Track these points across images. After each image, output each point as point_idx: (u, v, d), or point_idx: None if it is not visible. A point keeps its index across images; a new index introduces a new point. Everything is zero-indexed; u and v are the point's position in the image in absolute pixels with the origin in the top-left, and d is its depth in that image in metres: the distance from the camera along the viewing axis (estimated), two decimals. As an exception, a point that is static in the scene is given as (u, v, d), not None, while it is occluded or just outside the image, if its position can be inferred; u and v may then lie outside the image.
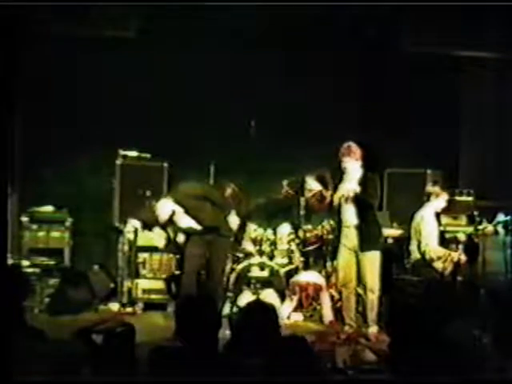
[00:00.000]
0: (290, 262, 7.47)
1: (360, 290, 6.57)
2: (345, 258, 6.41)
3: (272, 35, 7.90)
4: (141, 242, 7.44)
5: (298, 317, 7.08)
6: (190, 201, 6.43)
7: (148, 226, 6.95)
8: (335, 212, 6.50)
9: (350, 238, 6.37)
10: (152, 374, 3.19)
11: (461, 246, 7.15)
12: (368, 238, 6.33)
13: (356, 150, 6.37)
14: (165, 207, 6.46)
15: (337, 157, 6.40)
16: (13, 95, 6.62)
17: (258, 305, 3.80)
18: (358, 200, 6.31)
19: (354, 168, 6.38)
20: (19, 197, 7.81)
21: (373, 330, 6.38)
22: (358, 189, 6.31)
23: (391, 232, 7.68)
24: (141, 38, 7.71)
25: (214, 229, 6.43)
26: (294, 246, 7.51)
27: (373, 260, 6.36)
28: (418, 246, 6.98)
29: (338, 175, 6.43)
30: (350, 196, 6.30)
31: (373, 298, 6.38)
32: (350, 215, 6.37)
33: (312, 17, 7.62)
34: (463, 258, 6.97)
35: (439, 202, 7.17)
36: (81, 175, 8.03)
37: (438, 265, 6.91)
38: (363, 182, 6.35)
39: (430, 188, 7.33)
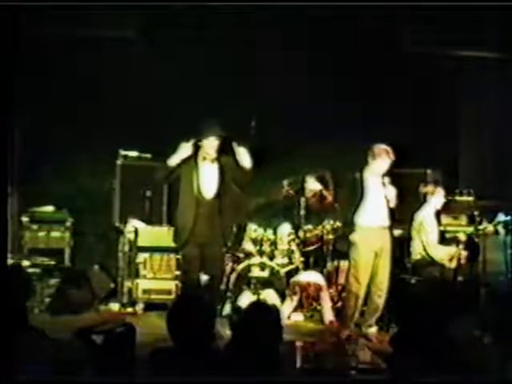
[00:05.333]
0: (291, 262, 7.46)
1: (374, 292, 6.44)
2: (366, 260, 6.31)
3: (270, 35, 7.91)
4: (141, 242, 7.45)
5: (298, 317, 7.08)
6: (230, 166, 6.20)
7: None
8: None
9: (375, 239, 6.30)
10: (152, 373, 3.19)
11: (461, 246, 7.14)
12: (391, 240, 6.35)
13: (390, 151, 6.28)
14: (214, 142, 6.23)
15: (367, 157, 6.32)
16: (13, 95, 6.61)
17: (260, 305, 3.78)
18: (389, 202, 6.30)
19: (387, 169, 6.31)
20: (19, 197, 7.81)
21: (373, 330, 6.39)
22: (395, 190, 6.30)
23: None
24: (141, 37, 7.73)
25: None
26: (294, 246, 7.50)
27: (387, 262, 6.35)
28: (419, 246, 6.98)
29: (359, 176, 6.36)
30: (391, 197, 6.29)
31: (381, 299, 6.37)
32: (380, 216, 6.33)
33: (311, 17, 7.62)
34: (464, 257, 6.97)
35: (437, 198, 7.17)
36: (81, 175, 8.03)
37: (439, 264, 6.92)
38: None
39: (422, 189, 7.32)
